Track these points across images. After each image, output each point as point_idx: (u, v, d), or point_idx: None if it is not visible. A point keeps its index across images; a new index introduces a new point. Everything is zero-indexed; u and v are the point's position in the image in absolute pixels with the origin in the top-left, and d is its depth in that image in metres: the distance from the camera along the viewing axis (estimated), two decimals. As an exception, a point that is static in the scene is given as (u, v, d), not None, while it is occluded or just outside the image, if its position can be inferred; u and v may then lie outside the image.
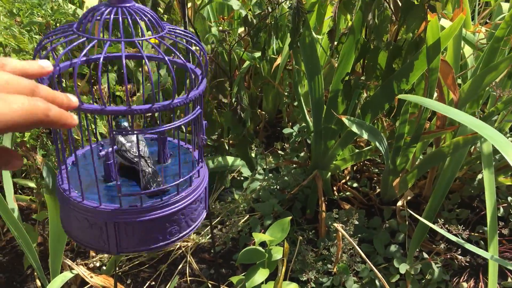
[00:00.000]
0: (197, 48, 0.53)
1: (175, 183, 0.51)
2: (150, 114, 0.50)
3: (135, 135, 0.57)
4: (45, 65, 0.35)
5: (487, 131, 0.63)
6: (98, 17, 0.47)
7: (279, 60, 1.29)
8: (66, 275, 0.88)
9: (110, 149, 0.54)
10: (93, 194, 0.51)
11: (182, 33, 0.53)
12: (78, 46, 0.48)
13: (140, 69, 1.31)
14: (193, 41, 0.52)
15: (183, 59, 0.50)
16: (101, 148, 0.59)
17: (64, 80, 1.15)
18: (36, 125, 0.30)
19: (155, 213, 0.50)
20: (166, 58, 0.50)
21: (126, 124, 0.59)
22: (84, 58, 0.56)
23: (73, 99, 0.35)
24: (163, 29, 0.50)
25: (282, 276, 0.60)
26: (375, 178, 1.32)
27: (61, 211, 0.54)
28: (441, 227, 0.86)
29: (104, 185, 0.56)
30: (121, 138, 0.58)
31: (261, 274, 0.80)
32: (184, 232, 0.54)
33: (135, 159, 0.56)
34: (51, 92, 0.33)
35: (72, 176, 0.54)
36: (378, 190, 1.27)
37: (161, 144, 0.59)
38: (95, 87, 1.04)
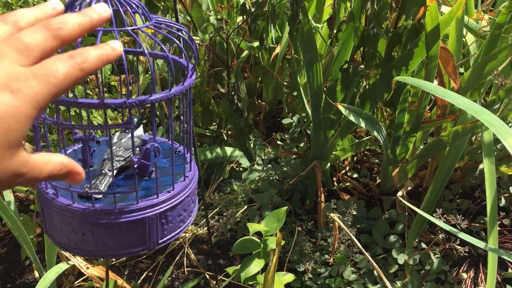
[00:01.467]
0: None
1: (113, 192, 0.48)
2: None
3: (129, 135, 0.55)
4: (56, 5, 0.31)
5: (485, 117, 0.62)
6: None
7: (278, 49, 1.27)
8: (62, 266, 0.88)
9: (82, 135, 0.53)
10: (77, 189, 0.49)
11: (170, 23, 0.50)
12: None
13: (135, 58, 1.29)
14: (182, 32, 0.50)
15: (167, 52, 0.47)
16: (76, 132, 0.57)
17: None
18: (76, 83, 0.28)
19: (125, 216, 0.47)
20: (150, 52, 0.47)
21: (135, 120, 0.57)
22: None
23: (100, 9, 0.31)
24: (150, 20, 0.48)
25: (273, 266, 0.59)
26: (376, 169, 1.31)
27: (46, 214, 0.52)
28: (440, 217, 0.85)
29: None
30: (116, 134, 0.56)
31: (256, 265, 0.79)
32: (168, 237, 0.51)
33: (104, 157, 0.54)
34: (74, 21, 0.29)
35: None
36: (379, 180, 1.25)
37: (144, 156, 0.53)
38: (87, 78, 1.03)
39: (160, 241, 0.51)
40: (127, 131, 0.56)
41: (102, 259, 0.97)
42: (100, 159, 0.56)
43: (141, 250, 0.50)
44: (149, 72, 1.38)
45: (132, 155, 0.52)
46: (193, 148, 0.55)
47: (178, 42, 0.47)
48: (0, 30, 0.28)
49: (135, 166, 0.48)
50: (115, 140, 0.55)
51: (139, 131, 0.56)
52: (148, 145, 0.50)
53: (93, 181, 0.51)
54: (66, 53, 0.29)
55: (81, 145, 0.56)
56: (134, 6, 0.45)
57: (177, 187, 0.51)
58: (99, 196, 0.49)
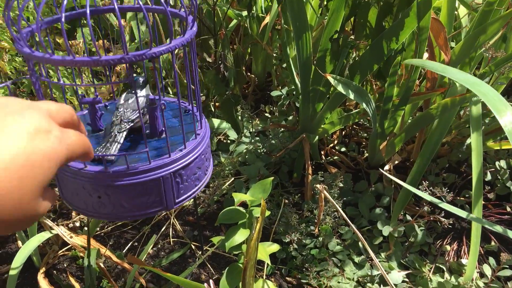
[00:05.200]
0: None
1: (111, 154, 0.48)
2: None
3: (135, 96, 0.54)
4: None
5: (480, 88, 0.61)
6: None
7: (267, 19, 1.24)
8: (44, 235, 0.87)
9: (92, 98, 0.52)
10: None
11: None
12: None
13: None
14: None
15: (164, 5, 0.46)
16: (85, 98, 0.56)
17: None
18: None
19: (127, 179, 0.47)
20: (144, 6, 0.46)
21: (141, 79, 0.55)
22: (47, 20, 0.52)
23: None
24: None
25: (257, 233, 0.59)
26: (364, 143, 1.30)
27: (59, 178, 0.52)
28: (425, 190, 0.85)
29: (93, 135, 0.54)
30: (122, 96, 0.55)
31: (241, 234, 0.79)
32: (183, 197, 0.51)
33: (113, 119, 0.53)
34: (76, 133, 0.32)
35: None
36: (366, 154, 1.25)
37: (152, 115, 0.54)
38: (70, 41, 1.00)
39: (177, 201, 0.52)
40: (133, 91, 0.55)
41: (109, 220, 0.96)
42: (108, 122, 0.56)
43: (159, 210, 0.51)
44: (135, 41, 1.34)
45: (140, 115, 0.51)
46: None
47: None
48: None
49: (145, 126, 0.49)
50: (121, 101, 0.54)
51: (146, 91, 0.55)
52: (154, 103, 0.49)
53: (103, 144, 0.50)
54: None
55: (87, 109, 0.56)
56: None
57: (189, 145, 0.51)
58: (111, 158, 0.49)
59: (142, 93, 0.54)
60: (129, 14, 1.37)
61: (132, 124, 0.52)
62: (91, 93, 1.10)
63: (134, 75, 0.59)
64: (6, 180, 0.23)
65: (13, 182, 0.24)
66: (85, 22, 1.33)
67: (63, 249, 1.00)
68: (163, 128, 0.54)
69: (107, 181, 0.46)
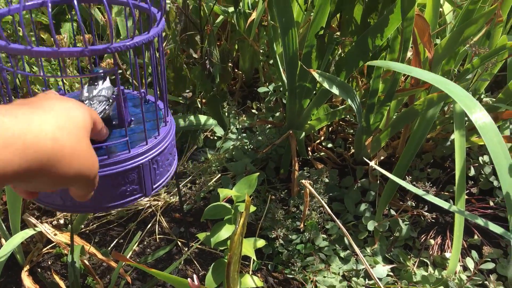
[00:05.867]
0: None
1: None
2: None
3: (99, 88, 0.54)
4: None
5: (449, 87, 0.62)
6: None
7: (254, 15, 1.24)
8: (27, 232, 0.86)
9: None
10: None
11: None
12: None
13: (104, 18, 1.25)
14: None
15: None
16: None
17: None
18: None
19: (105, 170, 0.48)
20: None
21: (101, 71, 0.55)
22: (31, 3, 0.52)
23: None
24: None
25: (241, 228, 0.59)
26: (350, 139, 1.31)
27: None
28: (409, 183, 0.85)
29: None
30: (84, 89, 0.55)
31: (227, 230, 0.79)
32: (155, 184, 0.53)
33: None
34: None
35: None
36: (353, 150, 1.26)
37: (119, 105, 0.54)
38: (58, 36, 0.98)
39: (154, 186, 0.54)
40: (95, 83, 0.55)
41: (96, 213, 0.97)
42: None
43: (138, 197, 0.53)
44: (121, 37, 1.33)
45: (107, 106, 0.52)
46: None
47: None
48: None
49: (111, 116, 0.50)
50: (85, 94, 0.54)
51: (108, 82, 0.55)
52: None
53: None
54: None
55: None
56: None
57: (161, 132, 0.54)
58: None
59: (105, 84, 0.54)
60: (114, 10, 1.36)
61: (100, 115, 0.52)
62: (75, 89, 1.09)
63: (94, 66, 0.61)
64: (66, 136, 0.30)
65: (71, 135, 0.31)
66: (70, 17, 1.31)
67: (48, 247, 0.99)
68: (132, 118, 0.56)
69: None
